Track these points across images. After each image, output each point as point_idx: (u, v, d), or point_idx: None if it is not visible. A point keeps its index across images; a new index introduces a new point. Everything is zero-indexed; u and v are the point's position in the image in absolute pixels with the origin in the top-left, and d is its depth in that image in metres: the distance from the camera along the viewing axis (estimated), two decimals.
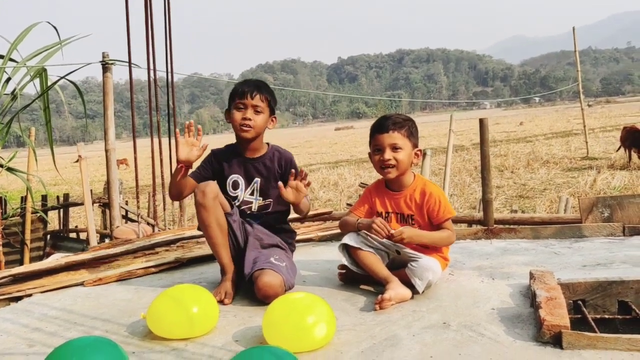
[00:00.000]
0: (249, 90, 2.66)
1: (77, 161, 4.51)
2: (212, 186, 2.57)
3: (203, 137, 2.62)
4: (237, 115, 2.67)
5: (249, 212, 2.76)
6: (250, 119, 2.65)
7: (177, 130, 2.76)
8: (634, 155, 12.52)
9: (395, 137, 2.49)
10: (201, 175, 2.75)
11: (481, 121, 3.56)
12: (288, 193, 2.51)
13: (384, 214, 2.62)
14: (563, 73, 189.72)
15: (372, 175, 13.83)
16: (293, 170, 2.56)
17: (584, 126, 15.85)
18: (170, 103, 5.25)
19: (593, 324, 2.07)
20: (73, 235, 6.52)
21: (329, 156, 25.65)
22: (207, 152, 2.76)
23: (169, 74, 5.12)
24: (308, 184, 2.53)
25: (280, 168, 2.76)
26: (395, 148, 2.49)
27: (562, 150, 17.59)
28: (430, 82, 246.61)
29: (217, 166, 2.78)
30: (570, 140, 20.61)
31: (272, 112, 2.77)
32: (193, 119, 2.74)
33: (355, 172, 15.86)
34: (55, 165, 5.43)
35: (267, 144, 2.84)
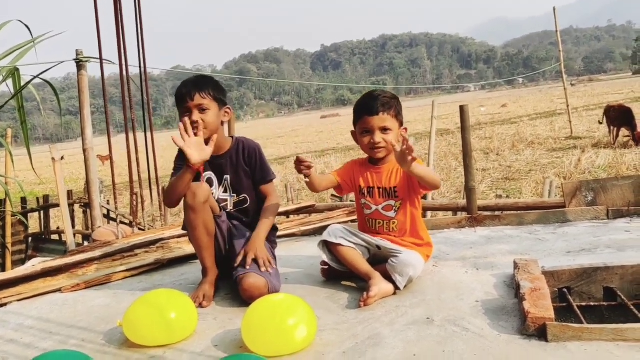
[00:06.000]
0: (186, 91, 2.51)
1: (62, 158, 4.40)
2: (204, 189, 2.47)
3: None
4: (185, 120, 2.52)
5: (227, 210, 2.70)
6: (196, 121, 2.50)
7: (174, 137, 2.60)
8: (620, 134, 12.49)
9: (385, 119, 2.44)
10: None
11: (462, 108, 3.50)
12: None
13: (367, 189, 2.57)
14: (545, 53, 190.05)
15: None
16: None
17: (567, 106, 15.89)
18: (145, 98, 5.13)
19: (579, 312, 2.04)
20: (55, 237, 6.41)
21: (315, 145, 25.55)
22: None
23: (142, 68, 5.00)
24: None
25: (245, 162, 2.66)
26: (385, 130, 2.44)
27: (547, 130, 17.64)
28: (414, 66, 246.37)
29: None
30: (554, 120, 20.64)
31: (222, 104, 2.62)
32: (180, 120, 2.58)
33: (342, 160, 15.79)
34: (32, 166, 5.30)
35: (232, 137, 2.74)
